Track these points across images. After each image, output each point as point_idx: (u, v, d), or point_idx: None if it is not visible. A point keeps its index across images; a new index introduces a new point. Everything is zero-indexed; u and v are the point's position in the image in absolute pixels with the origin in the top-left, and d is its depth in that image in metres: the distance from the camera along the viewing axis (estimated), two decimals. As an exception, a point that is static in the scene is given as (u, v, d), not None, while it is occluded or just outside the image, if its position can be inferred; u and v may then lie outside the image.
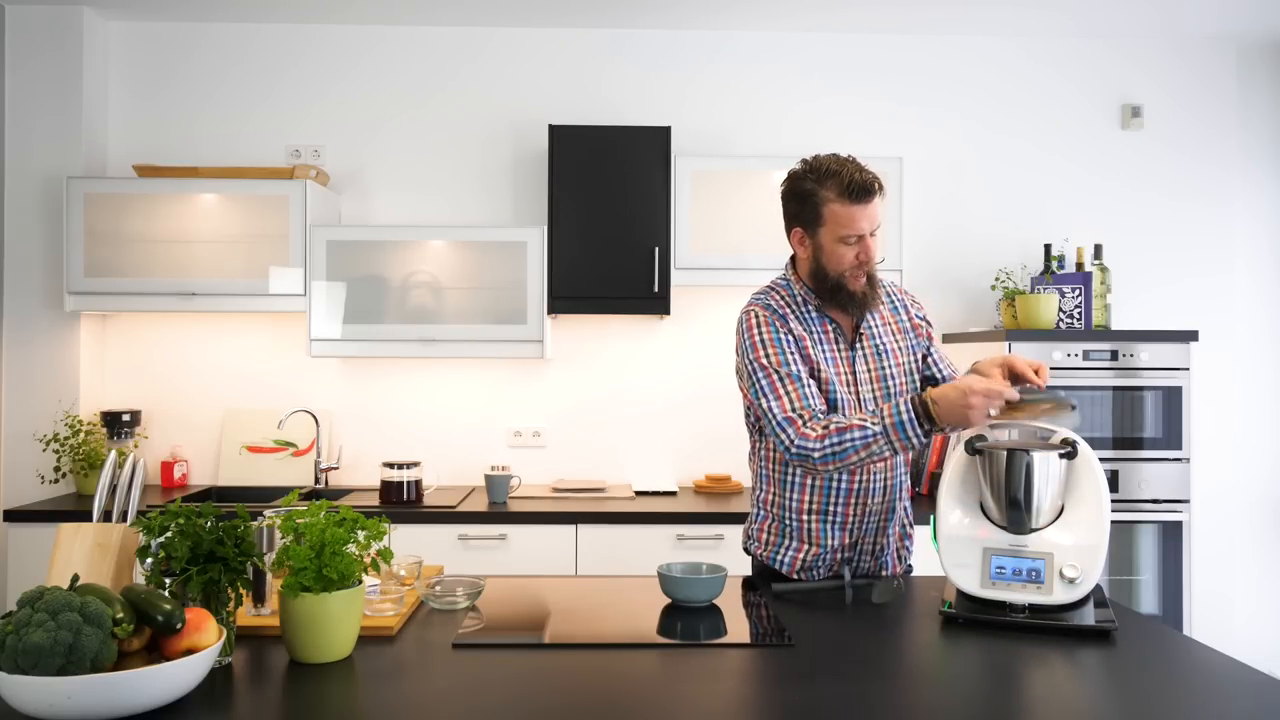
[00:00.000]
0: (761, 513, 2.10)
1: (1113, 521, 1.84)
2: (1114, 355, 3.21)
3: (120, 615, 1.25)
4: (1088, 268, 3.51)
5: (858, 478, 1.99)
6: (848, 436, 1.80)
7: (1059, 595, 1.66)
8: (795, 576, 2.03)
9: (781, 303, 2.01)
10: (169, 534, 1.44)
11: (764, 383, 1.92)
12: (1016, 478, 1.71)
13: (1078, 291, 3.37)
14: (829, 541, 2.01)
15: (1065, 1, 3.39)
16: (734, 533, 3.03)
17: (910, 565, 2.17)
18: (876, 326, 2.04)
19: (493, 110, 3.67)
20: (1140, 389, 3.22)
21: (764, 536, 2.09)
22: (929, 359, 2.09)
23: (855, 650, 1.57)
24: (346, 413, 3.64)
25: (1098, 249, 3.52)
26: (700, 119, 3.68)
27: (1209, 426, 3.70)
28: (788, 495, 2.03)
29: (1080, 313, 3.36)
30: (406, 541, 2.91)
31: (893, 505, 2.06)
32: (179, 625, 1.29)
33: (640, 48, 3.69)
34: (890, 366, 2.02)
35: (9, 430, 3.40)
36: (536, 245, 3.31)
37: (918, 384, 2.06)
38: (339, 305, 3.30)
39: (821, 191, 1.93)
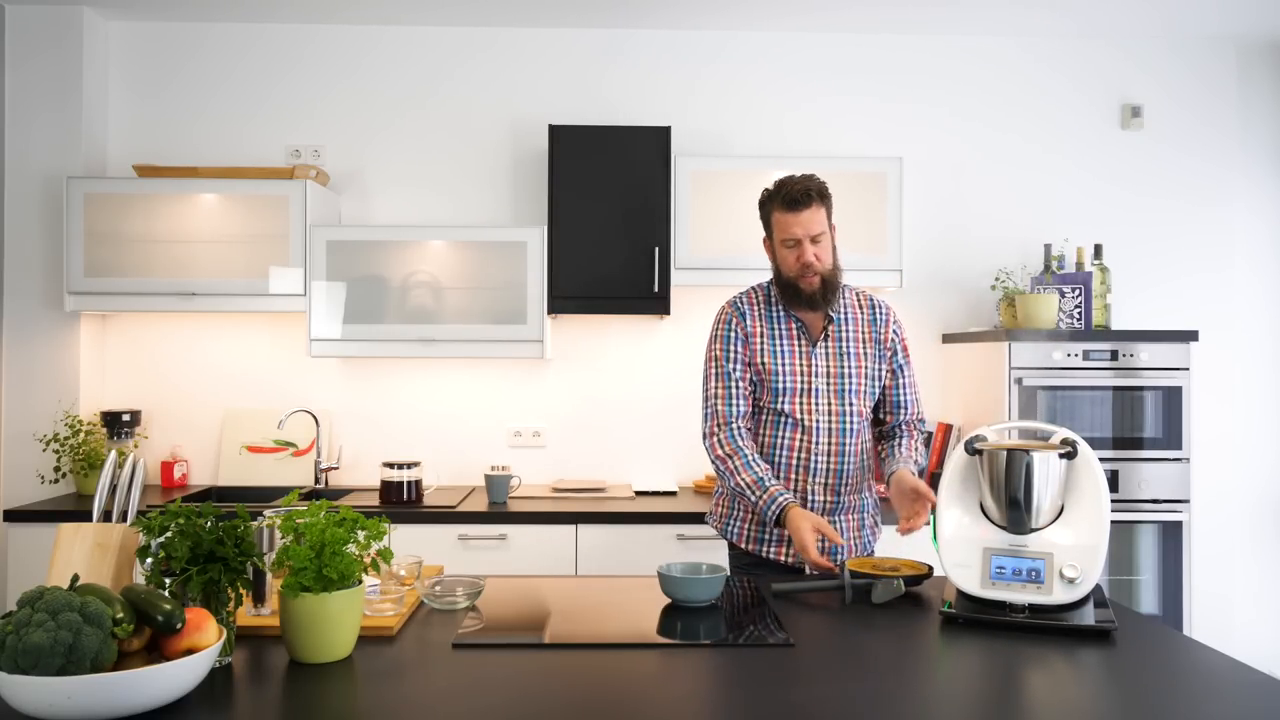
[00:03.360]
0: (719, 486, 2.35)
1: (1113, 521, 1.84)
2: (1114, 355, 3.21)
3: (120, 615, 1.25)
4: (1088, 268, 3.51)
5: (797, 458, 2.20)
6: (737, 478, 2.16)
7: (1059, 595, 1.66)
8: (744, 548, 2.25)
9: (751, 301, 2.29)
10: (169, 534, 1.44)
11: (709, 371, 2.28)
12: (1016, 478, 1.71)
13: (1078, 291, 3.37)
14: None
15: (1065, 1, 3.39)
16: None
17: (872, 551, 2.32)
18: (846, 331, 2.26)
19: (493, 110, 3.67)
20: (1140, 389, 3.22)
21: (719, 510, 2.34)
22: (894, 377, 2.29)
23: (855, 650, 1.57)
24: (346, 413, 3.64)
25: (1098, 249, 3.52)
26: (701, 119, 3.68)
27: (1209, 426, 3.70)
28: None
29: (1080, 313, 3.36)
30: (406, 541, 2.91)
31: (842, 495, 2.22)
32: (179, 625, 1.29)
33: (640, 48, 3.69)
34: (851, 368, 2.23)
35: (9, 430, 3.40)
36: (536, 245, 3.31)
37: (876, 390, 2.27)
38: (339, 305, 3.30)
39: (770, 204, 2.23)
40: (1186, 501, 3.21)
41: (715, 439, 2.23)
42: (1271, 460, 3.78)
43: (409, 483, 3.20)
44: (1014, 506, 1.72)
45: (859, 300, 2.31)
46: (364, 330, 3.30)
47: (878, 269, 3.36)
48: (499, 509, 3.09)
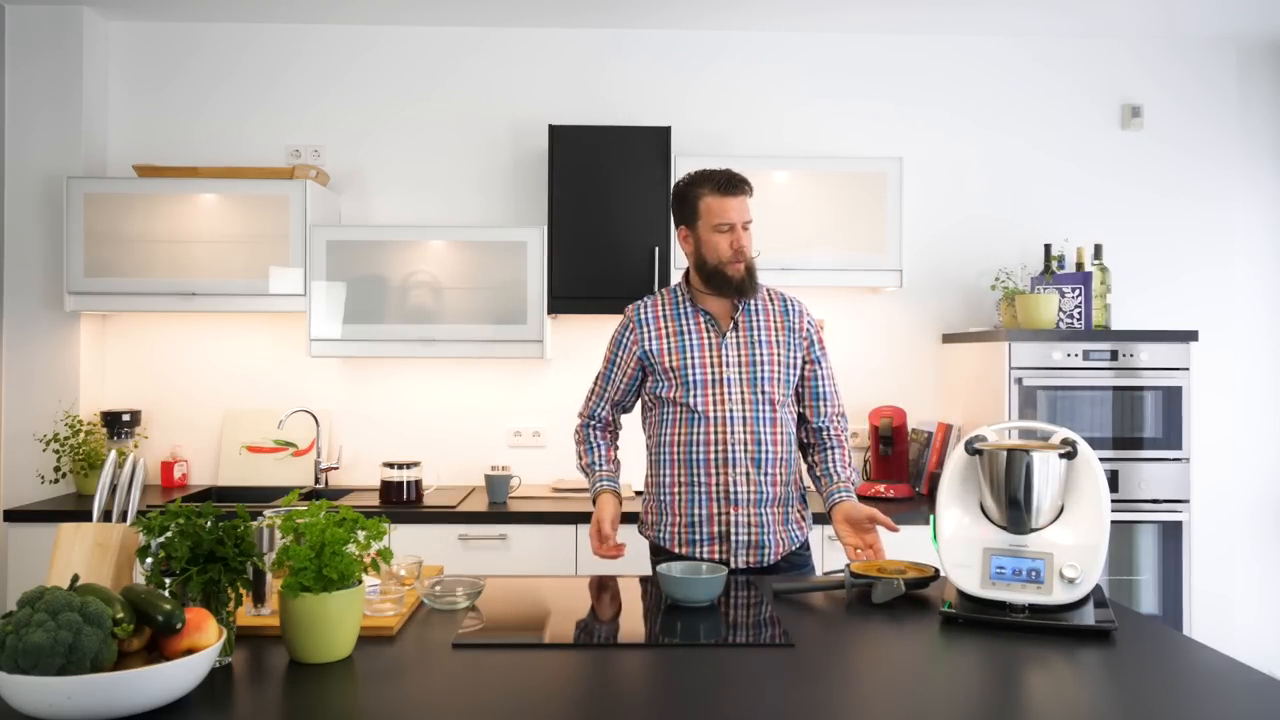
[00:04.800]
0: (645, 495, 2.37)
1: (1113, 521, 1.84)
2: (1114, 355, 3.21)
3: (120, 615, 1.25)
4: (1088, 267, 3.51)
5: (714, 452, 2.19)
6: (579, 464, 2.39)
7: (1059, 595, 1.66)
8: (676, 551, 2.24)
9: (656, 303, 2.33)
10: (169, 534, 1.44)
11: (599, 370, 2.39)
12: (1016, 478, 1.71)
13: (1078, 291, 3.37)
14: (698, 511, 2.21)
15: (1065, 1, 3.39)
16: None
17: (804, 542, 2.31)
18: (757, 320, 2.27)
19: (493, 110, 3.67)
20: (1140, 389, 3.22)
21: (649, 517, 2.34)
22: (813, 368, 2.31)
23: (855, 650, 1.57)
24: (346, 413, 3.64)
25: (1098, 249, 3.52)
26: (700, 119, 3.68)
27: (1209, 426, 3.70)
28: (660, 472, 2.28)
29: (1080, 313, 3.36)
30: (406, 541, 2.91)
31: (765, 486, 2.20)
32: (179, 625, 1.29)
33: (640, 48, 3.69)
34: (762, 355, 2.23)
35: (9, 430, 3.40)
36: (536, 245, 3.31)
37: (792, 378, 2.27)
38: (339, 305, 3.30)
39: (697, 189, 2.24)
40: (1186, 501, 3.21)
41: (576, 430, 2.43)
42: (1271, 460, 3.78)
43: (409, 483, 3.21)
44: (1014, 506, 1.72)
45: (769, 295, 2.33)
46: (364, 330, 3.30)
47: (878, 269, 3.36)
48: (499, 509, 3.10)
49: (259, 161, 3.62)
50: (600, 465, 2.35)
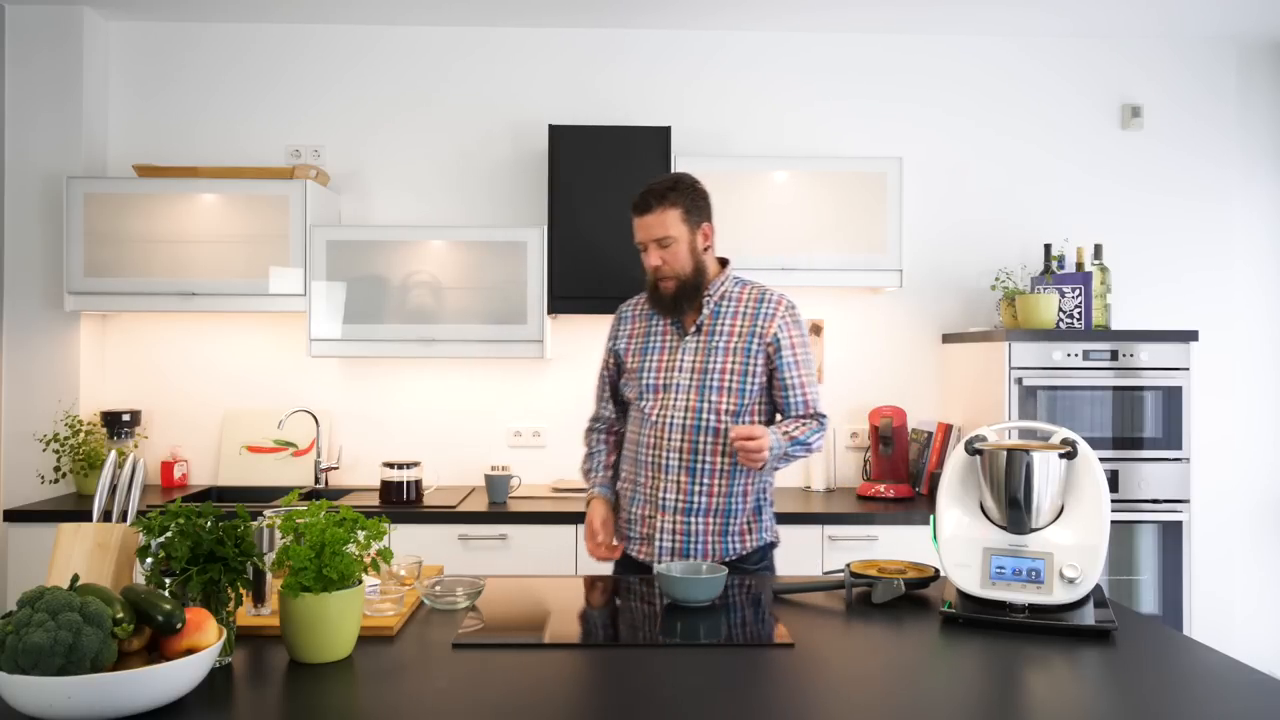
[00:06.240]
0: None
1: (1113, 521, 1.84)
2: (1114, 355, 3.21)
3: (120, 615, 1.25)
4: (1088, 267, 3.51)
5: (651, 455, 2.18)
6: (583, 456, 2.41)
7: (1059, 595, 1.66)
8: (628, 552, 2.25)
9: (638, 302, 2.34)
10: (169, 534, 1.44)
11: (599, 375, 2.40)
12: (1016, 478, 1.71)
13: (1078, 291, 3.37)
14: (634, 510, 2.23)
15: (1065, 2, 3.39)
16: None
17: (748, 555, 2.22)
18: (721, 325, 2.20)
19: (492, 110, 3.67)
20: (1140, 389, 3.22)
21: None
22: (777, 375, 2.19)
23: (855, 650, 1.57)
24: (346, 413, 3.64)
25: (1098, 249, 3.52)
26: (700, 119, 3.68)
27: (1209, 426, 3.70)
28: (622, 468, 2.32)
29: (1080, 312, 3.36)
30: (406, 541, 2.91)
31: (695, 496, 2.16)
32: (179, 625, 1.29)
33: (640, 48, 3.69)
34: (715, 362, 2.17)
35: (9, 430, 3.40)
36: (536, 245, 3.31)
37: (749, 387, 2.17)
38: (339, 305, 3.30)
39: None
40: (1186, 501, 3.21)
41: (588, 428, 2.45)
42: (1271, 460, 3.78)
43: (409, 483, 3.20)
44: (1014, 506, 1.72)
45: (748, 293, 2.23)
46: (364, 330, 3.30)
47: (878, 269, 3.36)
48: (499, 509, 3.09)
49: (259, 161, 3.62)
50: (596, 471, 2.37)
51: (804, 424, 2.18)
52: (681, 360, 2.19)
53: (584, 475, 2.40)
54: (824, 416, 2.23)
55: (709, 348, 2.18)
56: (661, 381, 2.20)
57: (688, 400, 2.16)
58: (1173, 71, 3.74)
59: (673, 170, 3.32)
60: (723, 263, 2.29)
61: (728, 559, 2.19)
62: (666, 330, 2.24)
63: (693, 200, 2.16)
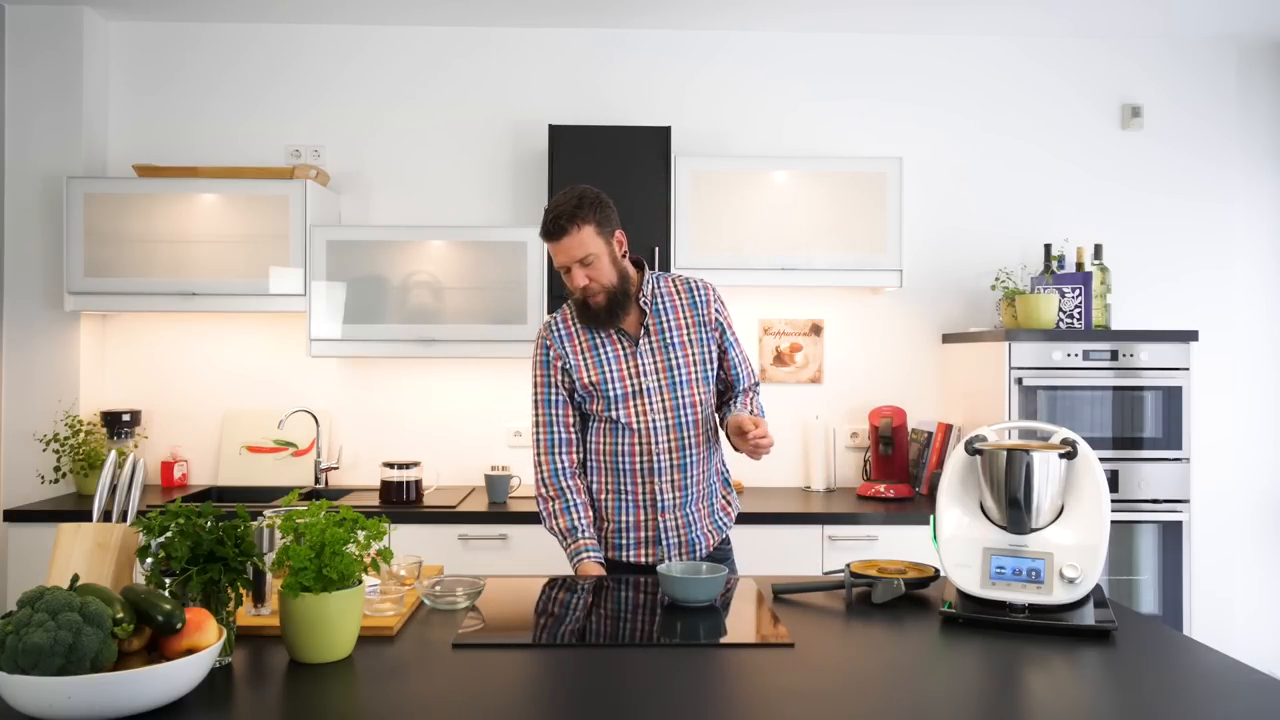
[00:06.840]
0: None
1: (1113, 521, 1.84)
2: (1114, 355, 3.21)
3: (120, 615, 1.25)
4: (1088, 267, 3.51)
5: (639, 462, 2.19)
6: (554, 522, 2.20)
7: (1059, 595, 1.66)
8: (606, 556, 2.22)
9: (566, 317, 2.26)
10: (169, 534, 1.44)
11: (533, 399, 2.26)
12: (1016, 478, 1.71)
13: (1078, 291, 3.37)
14: (626, 517, 2.21)
15: (1065, 2, 3.39)
16: (734, 533, 3.02)
17: (726, 536, 2.33)
18: (667, 322, 2.23)
19: (492, 110, 3.67)
20: (1140, 389, 3.22)
21: None
22: (726, 354, 2.28)
23: (855, 650, 1.57)
24: (346, 413, 3.64)
25: (1098, 249, 3.52)
26: (700, 119, 3.68)
27: (1209, 426, 3.70)
28: (589, 479, 2.25)
29: (1080, 312, 3.36)
30: (406, 541, 2.91)
31: (689, 487, 2.22)
32: (179, 625, 1.29)
33: (639, 48, 3.69)
34: (678, 359, 2.21)
35: (9, 430, 3.40)
36: (536, 245, 3.31)
37: (710, 372, 2.25)
38: (339, 305, 3.30)
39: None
40: (1186, 501, 3.21)
41: (540, 475, 2.23)
42: (1271, 460, 3.78)
43: (409, 483, 3.21)
44: (1014, 506, 1.72)
45: (674, 286, 2.27)
46: (364, 330, 3.30)
47: (878, 269, 3.36)
48: (499, 509, 3.09)
49: (259, 161, 3.62)
50: (581, 532, 2.17)
51: (754, 395, 2.34)
52: (643, 364, 2.20)
53: (562, 533, 2.19)
54: (759, 383, 2.40)
55: (665, 345, 2.21)
56: (630, 389, 2.19)
57: (663, 401, 2.20)
58: (1173, 71, 3.74)
59: (673, 170, 3.32)
60: (637, 263, 2.28)
61: (724, 537, 2.31)
62: (613, 340, 2.21)
63: (602, 213, 2.16)
